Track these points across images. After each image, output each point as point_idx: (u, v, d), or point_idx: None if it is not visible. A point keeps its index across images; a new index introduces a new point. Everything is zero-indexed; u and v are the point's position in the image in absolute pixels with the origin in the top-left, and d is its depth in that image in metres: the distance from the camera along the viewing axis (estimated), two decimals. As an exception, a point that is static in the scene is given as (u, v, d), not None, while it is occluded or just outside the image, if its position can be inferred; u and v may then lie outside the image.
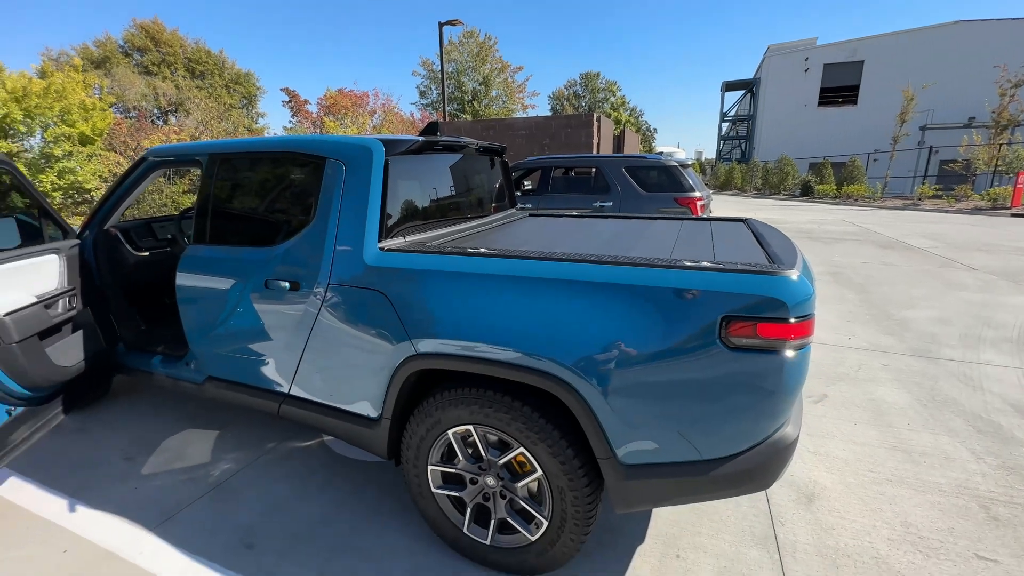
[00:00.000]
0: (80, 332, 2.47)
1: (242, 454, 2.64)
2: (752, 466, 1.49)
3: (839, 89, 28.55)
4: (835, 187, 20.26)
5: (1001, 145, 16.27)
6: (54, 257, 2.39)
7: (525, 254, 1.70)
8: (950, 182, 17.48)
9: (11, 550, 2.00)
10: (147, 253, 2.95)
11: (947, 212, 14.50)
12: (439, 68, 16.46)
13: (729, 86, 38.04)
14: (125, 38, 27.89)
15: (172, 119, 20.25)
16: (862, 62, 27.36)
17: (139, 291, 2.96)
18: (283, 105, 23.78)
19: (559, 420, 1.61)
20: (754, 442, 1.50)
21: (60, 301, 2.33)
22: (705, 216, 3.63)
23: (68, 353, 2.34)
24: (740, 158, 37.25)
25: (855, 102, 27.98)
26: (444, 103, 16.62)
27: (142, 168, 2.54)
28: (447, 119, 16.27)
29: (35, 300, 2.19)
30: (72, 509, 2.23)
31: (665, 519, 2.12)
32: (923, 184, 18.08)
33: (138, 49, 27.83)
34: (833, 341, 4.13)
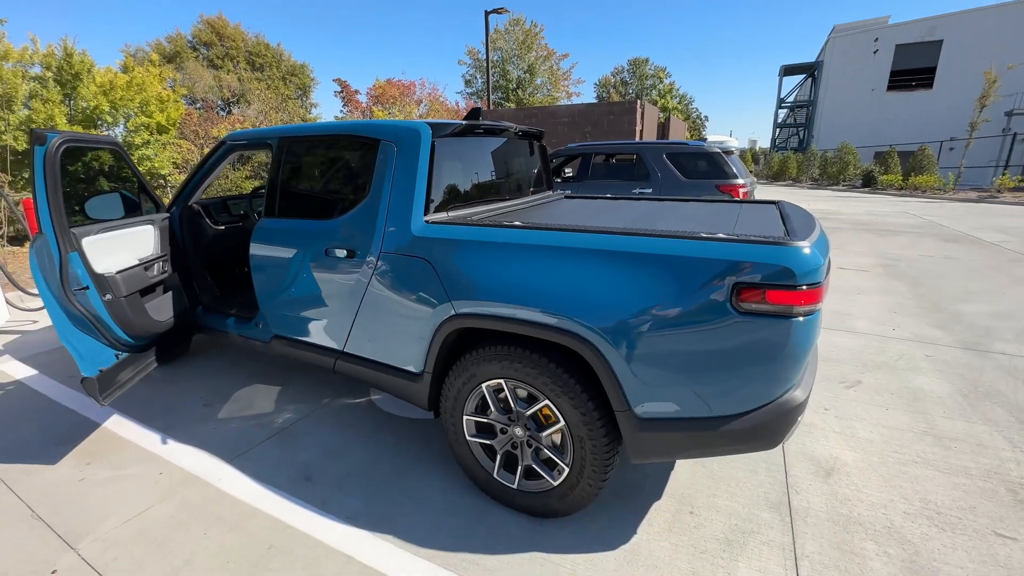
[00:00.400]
0: (170, 293, 2.86)
1: (301, 406, 2.97)
2: (759, 424, 1.61)
3: (912, 72, 26.43)
4: (901, 178, 18.94)
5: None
6: (150, 227, 2.78)
7: (554, 226, 1.86)
8: (1037, 173, 15.97)
9: (120, 470, 2.40)
10: (223, 227, 3.33)
11: (1029, 205, 13.30)
12: (484, 57, 16.61)
13: (788, 71, 36.02)
14: (193, 33, 29.74)
15: (234, 110, 21.52)
16: (940, 41, 25.17)
17: (216, 260, 3.35)
18: (335, 95, 24.74)
19: (581, 376, 1.78)
20: (762, 402, 1.61)
21: (155, 265, 2.72)
22: (739, 199, 3.64)
23: (161, 309, 2.73)
24: (797, 147, 35.34)
25: (930, 85, 25.84)
26: (488, 91, 16.80)
27: (221, 151, 2.89)
28: (491, 107, 16.46)
29: (137, 262, 2.58)
30: (164, 442, 2.62)
31: (682, 482, 2.25)
32: (1004, 175, 16.60)
33: (204, 44, 29.62)
34: (876, 331, 4.04)
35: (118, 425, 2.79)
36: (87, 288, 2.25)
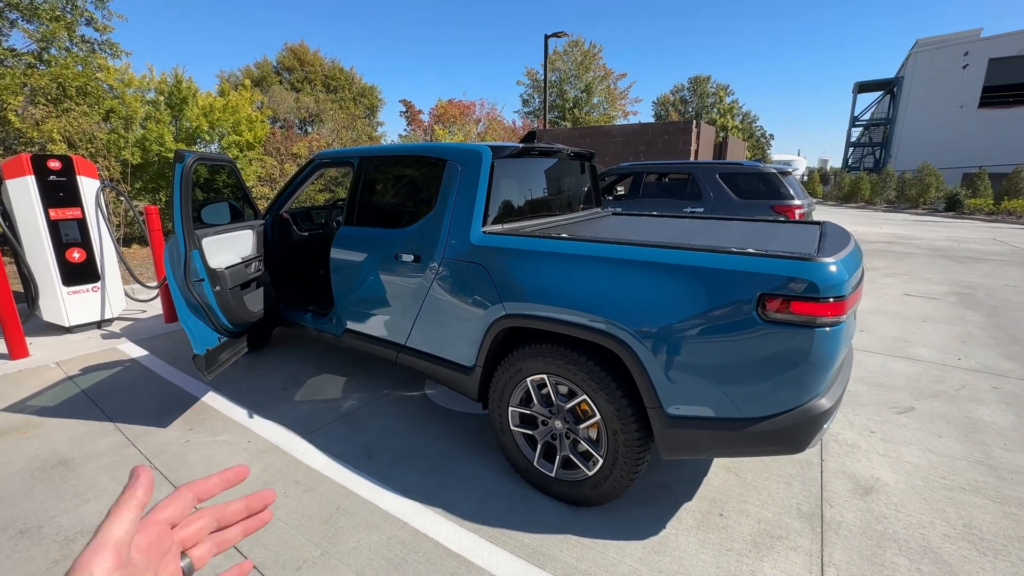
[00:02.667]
0: (262, 288, 3.32)
1: (364, 395, 3.32)
2: (784, 428, 1.72)
3: (1009, 87, 24.35)
4: (992, 201, 17.40)
5: None
6: (249, 232, 3.25)
7: (597, 238, 2.08)
8: None
9: (216, 436, 2.81)
10: (307, 233, 3.80)
11: None
12: (543, 78, 17.13)
13: (863, 87, 34.19)
14: (278, 60, 32.68)
15: (310, 129, 23.33)
16: (1041, 55, 23.09)
17: (299, 263, 3.82)
18: (400, 115, 26.24)
19: (616, 374, 1.96)
20: (788, 407, 1.72)
21: (253, 263, 3.18)
22: (783, 219, 3.67)
23: (255, 302, 3.19)
24: (872, 167, 33.22)
25: (1029, 102, 23.67)
26: (545, 111, 17.25)
27: (311, 167, 3.34)
28: (547, 127, 16.88)
29: (239, 261, 3.05)
30: (250, 416, 3.03)
31: (714, 487, 2.35)
32: (1117, 200, 14.84)
33: (287, 69, 32.43)
34: (938, 360, 3.88)
35: (213, 400, 3.24)
36: (203, 280, 2.71)
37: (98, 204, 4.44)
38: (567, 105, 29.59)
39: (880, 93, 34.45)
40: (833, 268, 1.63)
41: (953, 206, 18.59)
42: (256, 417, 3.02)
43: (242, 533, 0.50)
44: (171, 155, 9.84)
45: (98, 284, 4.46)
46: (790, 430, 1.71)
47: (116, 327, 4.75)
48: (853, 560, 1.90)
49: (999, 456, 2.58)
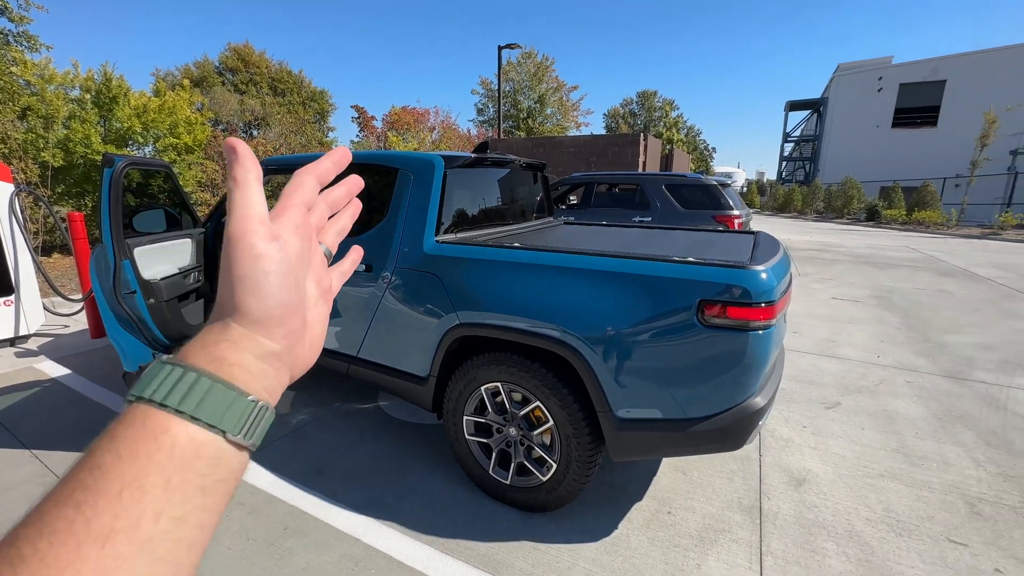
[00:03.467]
0: (203, 299, 3.14)
1: (314, 409, 3.21)
2: (724, 427, 1.82)
3: (917, 110, 27.02)
4: (905, 212, 19.17)
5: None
6: (188, 240, 3.08)
7: (548, 247, 2.13)
8: (1044, 211, 16.16)
9: (149, 459, 2.63)
10: (251, 242, 3.64)
11: (1031, 243, 13.43)
12: (497, 88, 17.32)
13: (793, 106, 36.83)
14: (220, 60, 31.18)
15: (256, 133, 22.38)
16: (944, 81, 25.81)
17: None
18: (352, 121, 25.68)
19: (568, 380, 2.01)
20: (727, 406, 1.83)
21: (192, 274, 3.01)
22: (722, 229, 3.91)
23: (194, 314, 3.01)
24: (803, 180, 35.79)
25: (935, 123, 26.38)
26: (499, 121, 17.43)
27: (255, 174, 3.21)
28: (502, 136, 17.04)
29: (176, 271, 2.87)
30: (189, 436, 2.85)
31: (663, 486, 2.44)
32: (1006, 212, 16.77)
33: (230, 70, 31.00)
34: (861, 358, 4.22)
35: (147, 420, 3.03)
36: (135, 292, 2.53)
37: (12, 210, 4.06)
38: (521, 115, 30.04)
39: (809, 112, 37.25)
40: (764, 275, 1.76)
41: (873, 216, 20.34)
42: (195, 437, 2.84)
43: (350, 219, 0.46)
44: (99, 157, 9.15)
45: (11, 298, 4.07)
46: (729, 428, 1.82)
47: (33, 344, 4.34)
48: (788, 548, 2.03)
49: (912, 444, 2.84)
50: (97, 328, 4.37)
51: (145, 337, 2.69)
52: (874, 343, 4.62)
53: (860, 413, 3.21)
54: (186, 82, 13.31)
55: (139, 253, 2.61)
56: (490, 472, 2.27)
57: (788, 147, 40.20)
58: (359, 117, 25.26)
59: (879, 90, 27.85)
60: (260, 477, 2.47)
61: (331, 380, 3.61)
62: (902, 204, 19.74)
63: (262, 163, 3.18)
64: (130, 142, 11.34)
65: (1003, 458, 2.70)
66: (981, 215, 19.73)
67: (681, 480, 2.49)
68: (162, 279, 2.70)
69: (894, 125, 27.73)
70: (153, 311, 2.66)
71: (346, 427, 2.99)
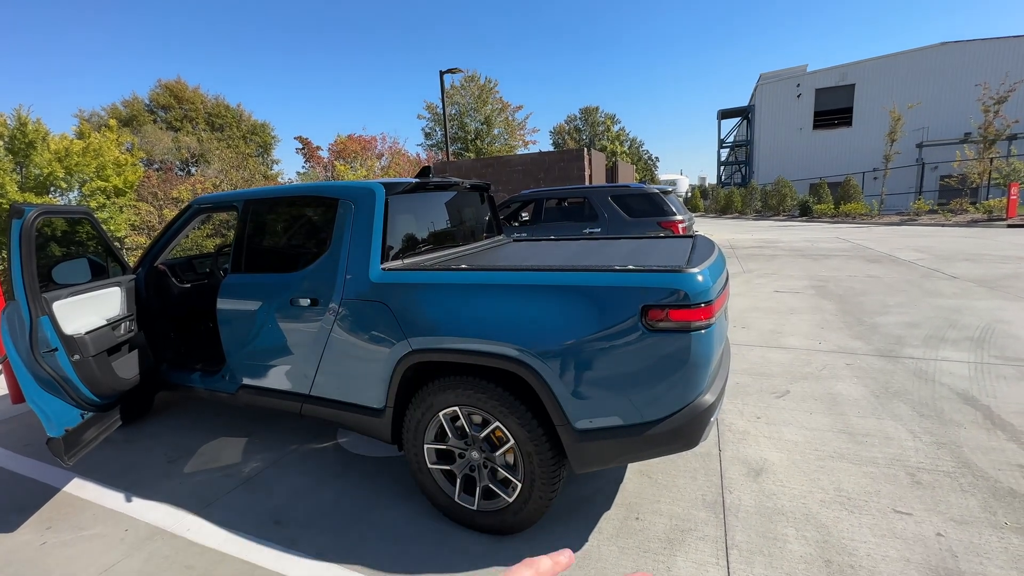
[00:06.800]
0: (136, 351, 2.94)
1: (268, 454, 3.04)
2: (678, 427, 1.86)
3: (833, 112, 29.38)
4: (833, 206, 20.65)
5: (992, 159, 16.65)
6: (117, 289, 2.89)
7: (494, 266, 2.14)
8: (951, 197, 17.85)
9: (82, 531, 2.40)
10: (188, 285, 3.46)
11: (943, 226, 14.76)
12: (442, 111, 17.49)
13: (725, 114, 39.19)
14: (151, 97, 29.92)
15: (194, 170, 21.49)
16: (853, 85, 28.25)
17: (181, 318, 3.45)
18: (296, 152, 25.12)
19: (525, 397, 2.01)
20: (678, 407, 1.88)
21: (122, 324, 2.82)
22: (663, 235, 4.07)
23: (127, 367, 2.81)
24: (740, 182, 37.95)
25: (850, 123, 28.73)
26: (447, 144, 17.57)
27: (188, 214, 3.08)
28: (451, 159, 17.15)
29: (104, 323, 2.68)
30: (128, 500, 2.63)
31: (630, 492, 2.46)
32: (919, 199, 18.40)
33: (162, 107, 29.80)
34: (804, 346, 4.46)
35: (79, 488, 2.78)
36: (56, 350, 2.34)
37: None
38: (469, 137, 30.39)
39: (739, 119, 39.78)
40: (700, 277, 1.83)
41: (805, 212, 21.79)
42: (136, 499, 2.63)
43: None
44: (15, 207, 8.50)
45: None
46: (683, 428, 1.87)
47: (-58, 418, 3.91)
48: (752, 539, 2.08)
49: (855, 423, 3.01)
50: (17, 393, 3.99)
51: (72, 397, 2.49)
52: (815, 331, 4.90)
53: (808, 399, 3.38)
54: (113, 122, 12.68)
55: (59, 307, 2.42)
56: (456, 499, 2.22)
57: (724, 152, 42.64)
58: (304, 148, 24.77)
59: (798, 96, 30.12)
60: (211, 535, 2.31)
61: (285, 422, 3.45)
62: (830, 199, 21.26)
63: (195, 201, 3.05)
64: (52, 188, 10.63)
65: (936, 427, 2.91)
66: (899, 204, 21.54)
67: (647, 484, 2.52)
68: (87, 332, 2.51)
69: (815, 127, 30.00)
70: (79, 368, 2.47)
71: (303, 470, 2.85)
